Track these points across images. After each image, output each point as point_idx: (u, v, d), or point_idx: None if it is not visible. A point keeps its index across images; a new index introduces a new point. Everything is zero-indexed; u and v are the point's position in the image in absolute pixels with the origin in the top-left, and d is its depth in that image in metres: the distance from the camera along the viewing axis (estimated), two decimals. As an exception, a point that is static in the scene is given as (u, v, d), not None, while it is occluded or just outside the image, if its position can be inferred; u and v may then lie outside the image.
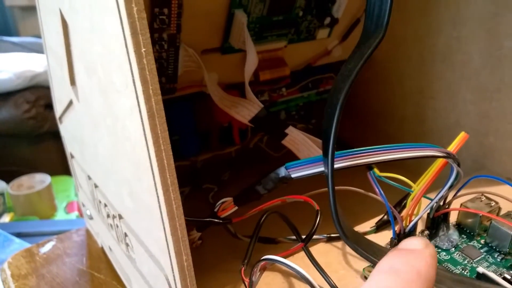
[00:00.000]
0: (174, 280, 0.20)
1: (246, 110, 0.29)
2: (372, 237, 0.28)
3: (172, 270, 0.20)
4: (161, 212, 0.19)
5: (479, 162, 0.36)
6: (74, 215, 0.99)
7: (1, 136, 1.10)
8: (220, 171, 0.43)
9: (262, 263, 0.21)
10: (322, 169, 0.21)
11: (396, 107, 0.42)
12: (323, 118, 0.20)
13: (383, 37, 0.19)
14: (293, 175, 0.22)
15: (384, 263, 0.17)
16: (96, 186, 0.32)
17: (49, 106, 1.13)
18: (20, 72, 1.10)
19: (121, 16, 0.16)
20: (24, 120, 1.10)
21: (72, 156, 0.39)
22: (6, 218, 0.95)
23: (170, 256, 0.20)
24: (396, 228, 0.25)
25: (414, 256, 0.17)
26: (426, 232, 0.27)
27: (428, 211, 0.26)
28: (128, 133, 0.20)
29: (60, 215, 1.00)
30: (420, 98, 0.39)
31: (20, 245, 0.75)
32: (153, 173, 0.18)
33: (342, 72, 0.18)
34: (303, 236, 0.26)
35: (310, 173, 0.22)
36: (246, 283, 0.22)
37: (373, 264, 0.21)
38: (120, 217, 0.27)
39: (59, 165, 1.17)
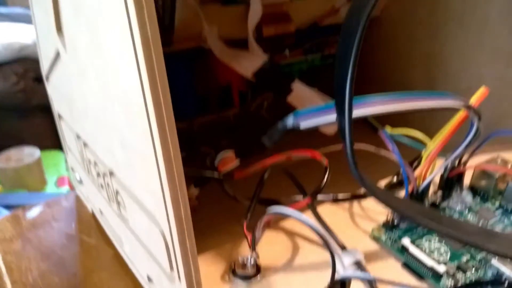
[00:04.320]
0: (171, 234, 0.18)
1: (249, 63, 0.27)
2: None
3: (169, 223, 0.18)
4: (156, 157, 0.17)
5: (491, 128, 0.34)
6: (64, 189, 0.97)
7: (-11, 108, 1.07)
8: (218, 137, 0.41)
9: (267, 217, 0.19)
10: (335, 116, 0.19)
11: (404, 72, 0.40)
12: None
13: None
14: (302, 124, 0.20)
15: None
16: (85, 145, 0.30)
17: (38, 79, 1.10)
18: (8, 44, 1.06)
19: None
20: (12, 93, 1.07)
21: (60, 117, 0.36)
22: (-6, 191, 0.92)
23: (166, 208, 0.18)
24: (409, 188, 0.24)
25: None
26: (439, 192, 0.25)
27: (443, 170, 0.25)
28: (118, 70, 0.18)
29: (50, 189, 0.97)
30: (429, 62, 0.37)
31: (8, 217, 0.73)
32: (147, 113, 0.16)
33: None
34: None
35: (321, 121, 0.20)
36: (249, 238, 0.20)
37: (395, 211, 0.19)
38: (111, 173, 0.25)
39: (49, 139, 1.14)
